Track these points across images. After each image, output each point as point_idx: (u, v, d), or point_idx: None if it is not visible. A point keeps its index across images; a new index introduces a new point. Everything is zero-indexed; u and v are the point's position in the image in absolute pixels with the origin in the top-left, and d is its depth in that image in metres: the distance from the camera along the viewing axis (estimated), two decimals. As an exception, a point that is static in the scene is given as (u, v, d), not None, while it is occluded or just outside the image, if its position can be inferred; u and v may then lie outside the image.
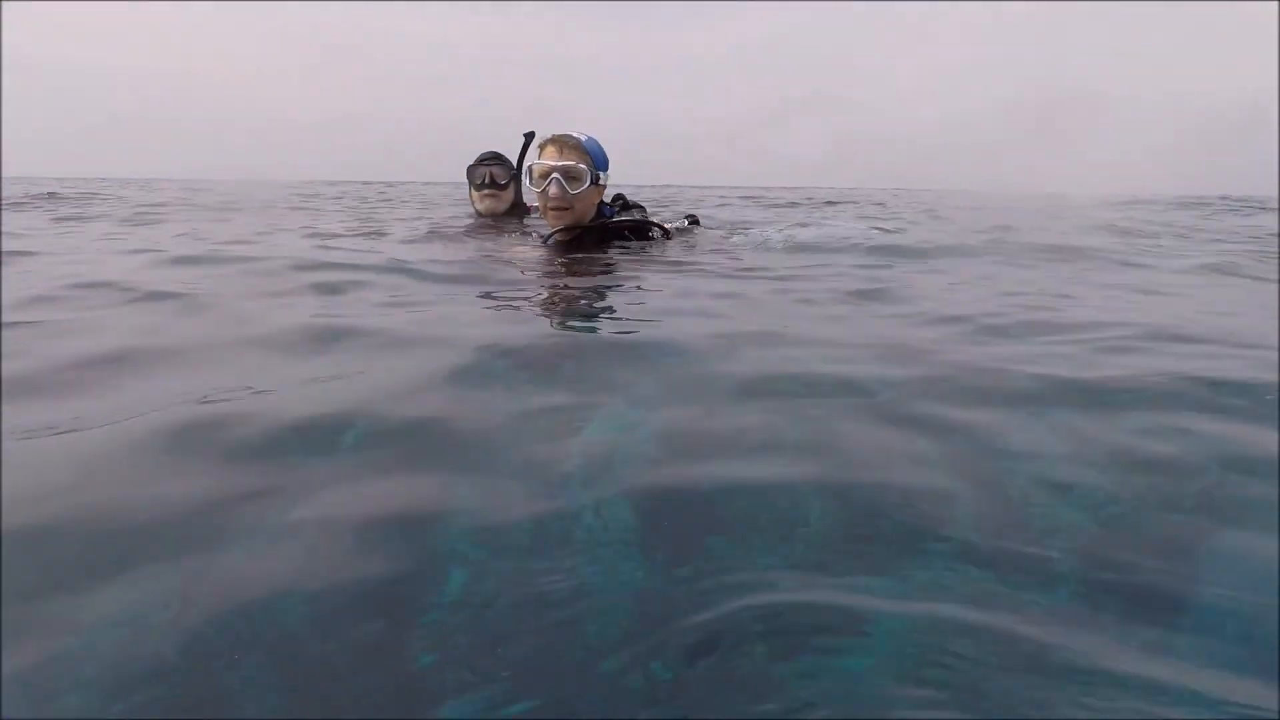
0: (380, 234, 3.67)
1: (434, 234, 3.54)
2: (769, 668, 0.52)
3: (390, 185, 18.00)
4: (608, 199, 3.03)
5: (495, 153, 4.00)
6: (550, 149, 2.71)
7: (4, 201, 5.66)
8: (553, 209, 2.72)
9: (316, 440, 0.89)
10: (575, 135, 2.72)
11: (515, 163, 3.92)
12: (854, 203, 8.95)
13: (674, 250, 2.89)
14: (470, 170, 3.96)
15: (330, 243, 3.24)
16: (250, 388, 1.09)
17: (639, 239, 2.94)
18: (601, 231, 2.86)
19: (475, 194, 3.98)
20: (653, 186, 19.44)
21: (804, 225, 3.87)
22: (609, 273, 2.34)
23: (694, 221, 3.30)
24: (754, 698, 0.49)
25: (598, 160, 2.71)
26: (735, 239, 2.75)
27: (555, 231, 2.76)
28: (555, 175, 2.64)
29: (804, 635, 0.55)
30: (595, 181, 2.70)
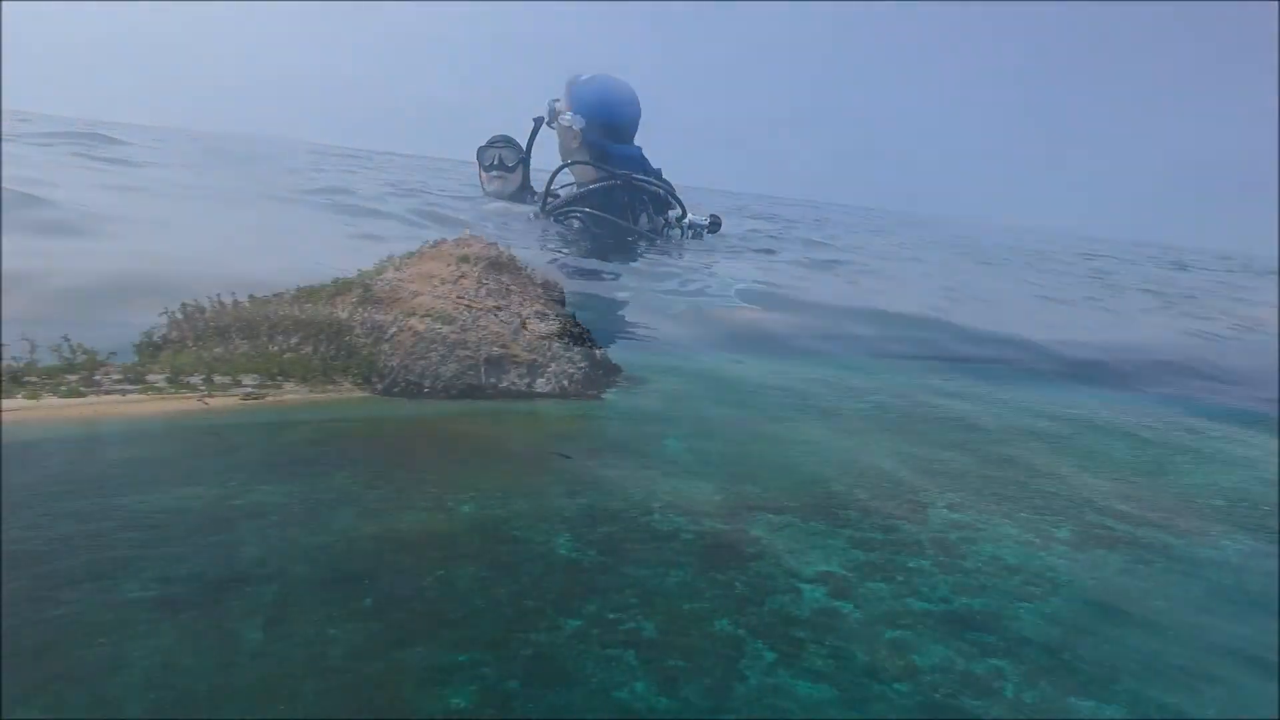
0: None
1: None
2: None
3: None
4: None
5: (506, 136, 3.98)
6: None
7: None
8: None
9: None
10: None
11: (525, 147, 3.90)
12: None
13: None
14: (480, 151, 3.93)
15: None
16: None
17: (657, 211, 2.91)
18: (628, 187, 2.88)
19: (484, 175, 3.91)
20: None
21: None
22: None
23: (716, 224, 3.28)
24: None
25: None
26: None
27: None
28: None
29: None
30: None
